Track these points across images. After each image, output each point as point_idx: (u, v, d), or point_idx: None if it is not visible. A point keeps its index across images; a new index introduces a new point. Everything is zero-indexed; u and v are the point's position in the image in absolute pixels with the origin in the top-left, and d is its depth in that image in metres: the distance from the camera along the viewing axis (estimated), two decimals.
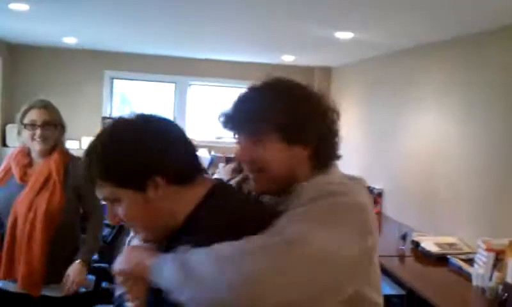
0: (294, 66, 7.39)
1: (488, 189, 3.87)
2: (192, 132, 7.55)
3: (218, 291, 1.00)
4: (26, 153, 2.61)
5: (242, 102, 1.29)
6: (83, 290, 3.44)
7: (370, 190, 5.59)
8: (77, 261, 2.57)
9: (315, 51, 6.10)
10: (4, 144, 6.74)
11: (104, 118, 7.28)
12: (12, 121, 5.84)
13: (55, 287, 2.57)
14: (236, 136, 1.30)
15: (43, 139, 2.53)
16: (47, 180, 2.51)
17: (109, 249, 4.28)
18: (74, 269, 2.54)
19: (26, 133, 2.54)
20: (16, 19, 4.78)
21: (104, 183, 1.15)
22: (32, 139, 2.53)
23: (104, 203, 1.25)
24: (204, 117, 7.76)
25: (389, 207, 5.47)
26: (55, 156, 2.57)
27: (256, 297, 0.99)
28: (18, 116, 2.61)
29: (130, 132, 1.16)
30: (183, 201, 1.17)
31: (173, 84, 7.66)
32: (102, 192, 1.17)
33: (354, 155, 6.19)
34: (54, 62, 7.18)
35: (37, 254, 2.45)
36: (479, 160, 4.00)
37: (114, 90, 7.59)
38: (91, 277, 3.50)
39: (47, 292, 2.56)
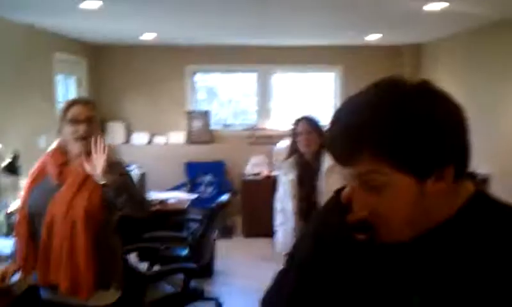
0: (380, 47, 6.98)
1: None
2: (276, 122, 7.36)
3: None
4: (64, 151, 2.46)
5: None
6: (172, 290, 3.40)
7: (474, 175, 5.08)
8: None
9: (402, 27, 5.69)
10: None
11: (189, 113, 7.26)
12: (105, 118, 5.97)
13: (103, 294, 2.41)
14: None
15: (87, 136, 2.38)
16: (86, 178, 2.36)
17: (198, 247, 4.19)
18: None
19: (69, 129, 2.39)
20: (92, 18, 4.79)
21: (375, 160, 0.88)
22: (75, 136, 2.39)
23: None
24: (289, 106, 7.52)
25: (498, 194, 4.94)
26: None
27: None
28: (60, 113, 2.45)
29: (425, 104, 0.89)
30: (449, 201, 0.93)
31: (255, 74, 7.47)
32: (360, 169, 0.90)
33: None
34: (135, 60, 7.27)
35: (81, 255, 2.29)
36: None
37: (200, 83, 7.57)
38: (180, 276, 3.41)
39: (95, 302, 2.39)
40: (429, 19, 4.89)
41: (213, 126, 7.38)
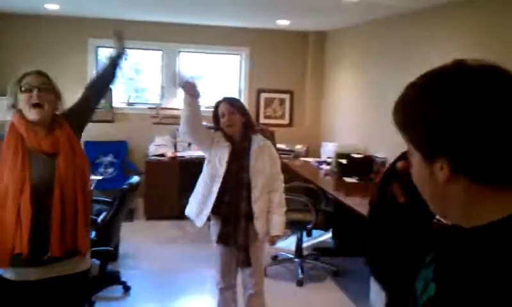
0: (288, 32, 7.13)
1: None
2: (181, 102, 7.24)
3: None
4: (25, 121, 2.40)
5: None
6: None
7: (372, 159, 5.40)
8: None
9: (312, 15, 5.83)
10: None
11: None
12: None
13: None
14: None
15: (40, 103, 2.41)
16: (71, 143, 2.43)
17: (106, 230, 4.04)
18: None
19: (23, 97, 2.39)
20: None
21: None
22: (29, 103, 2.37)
23: None
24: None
25: None
26: (63, 121, 2.49)
27: None
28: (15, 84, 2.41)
29: (456, 87, 0.85)
30: (488, 206, 0.85)
31: (160, 52, 7.28)
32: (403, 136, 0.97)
33: (352, 121, 5.98)
34: (36, 30, 6.75)
35: (86, 220, 2.43)
36: None
37: (99, 58, 7.19)
38: (95, 261, 3.27)
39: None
40: (340, 8, 5.05)
41: (115, 104, 7.10)
